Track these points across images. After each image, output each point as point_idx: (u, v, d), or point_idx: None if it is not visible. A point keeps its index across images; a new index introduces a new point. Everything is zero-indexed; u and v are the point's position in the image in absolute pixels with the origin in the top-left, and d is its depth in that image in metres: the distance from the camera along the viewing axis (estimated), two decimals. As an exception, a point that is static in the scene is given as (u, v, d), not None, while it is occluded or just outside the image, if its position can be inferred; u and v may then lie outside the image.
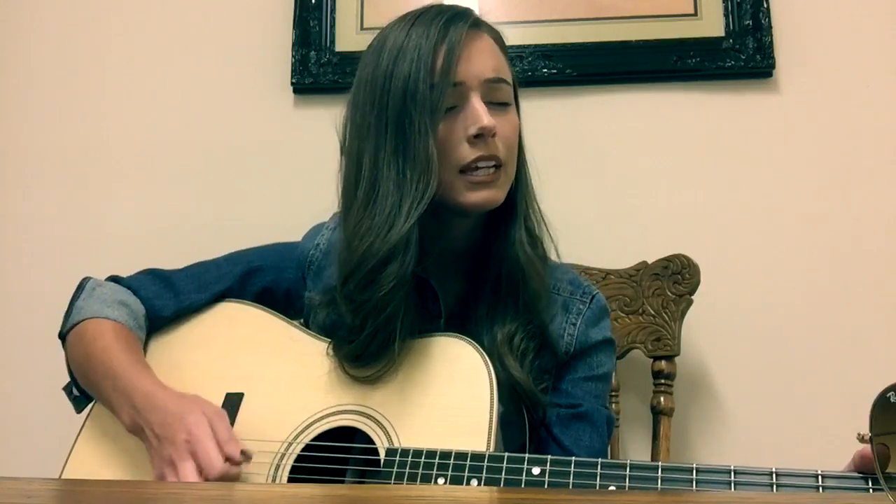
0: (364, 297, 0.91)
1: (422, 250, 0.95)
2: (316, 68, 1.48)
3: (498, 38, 1.01)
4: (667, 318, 1.27)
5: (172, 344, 1.07)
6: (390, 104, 0.92)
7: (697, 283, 1.27)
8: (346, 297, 0.93)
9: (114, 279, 1.10)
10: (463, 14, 0.96)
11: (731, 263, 1.38)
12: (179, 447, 0.87)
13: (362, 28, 1.49)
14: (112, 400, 0.96)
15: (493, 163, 0.93)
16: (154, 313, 1.07)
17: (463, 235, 1.01)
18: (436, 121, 0.91)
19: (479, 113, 0.92)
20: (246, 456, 0.89)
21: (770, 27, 1.41)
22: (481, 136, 0.92)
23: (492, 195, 0.95)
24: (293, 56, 1.49)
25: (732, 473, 0.74)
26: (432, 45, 0.92)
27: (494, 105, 0.95)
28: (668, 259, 1.30)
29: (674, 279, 1.28)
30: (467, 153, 0.93)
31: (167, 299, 1.07)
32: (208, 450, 0.86)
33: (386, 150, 0.92)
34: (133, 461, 0.97)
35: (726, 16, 1.43)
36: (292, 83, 1.49)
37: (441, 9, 0.97)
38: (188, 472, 0.86)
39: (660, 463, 0.77)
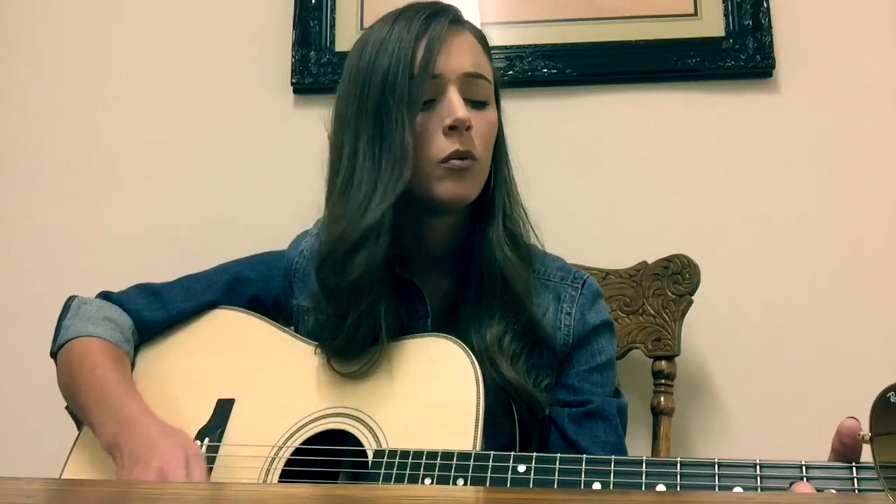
0: (335, 281, 0.92)
1: (405, 251, 0.97)
2: (316, 68, 1.48)
3: (480, 36, 1.01)
4: (667, 318, 1.27)
5: (164, 352, 1.07)
6: (370, 95, 0.93)
7: (697, 283, 1.27)
8: (321, 283, 0.95)
9: (103, 295, 1.10)
10: (445, 10, 0.97)
11: (731, 263, 1.38)
12: (149, 472, 0.85)
13: (362, 28, 1.49)
14: (96, 417, 0.96)
15: (466, 158, 0.94)
16: (143, 323, 1.07)
17: (444, 235, 1.01)
18: (413, 112, 0.92)
19: (455, 105, 0.93)
20: None
21: (770, 27, 1.41)
22: (456, 129, 0.93)
23: (464, 188, 0.95)
24: (293, 56, 1.49)
25: (717, 466, 0.74)
26: (413, 38, 0.93)
27: (472, 102, 0.96)
28: (668, 259, 1.30)
29: (674, 279, 1.28)
30: (443, 146, 0.93)
31: (155, 309, 1.08)
32: (179, 480, 0.85)
33: (363, 140, 0.93)
34: (132, 461, 0.97)
35: (726, 16, 1.43)
36: (292, 83, 1.49)
37: (424, 5, 0.98)
38: None
39: (644, 458, 0.77)
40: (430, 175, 0.94)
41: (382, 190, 0.91)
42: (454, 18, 0.98)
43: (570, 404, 1.00)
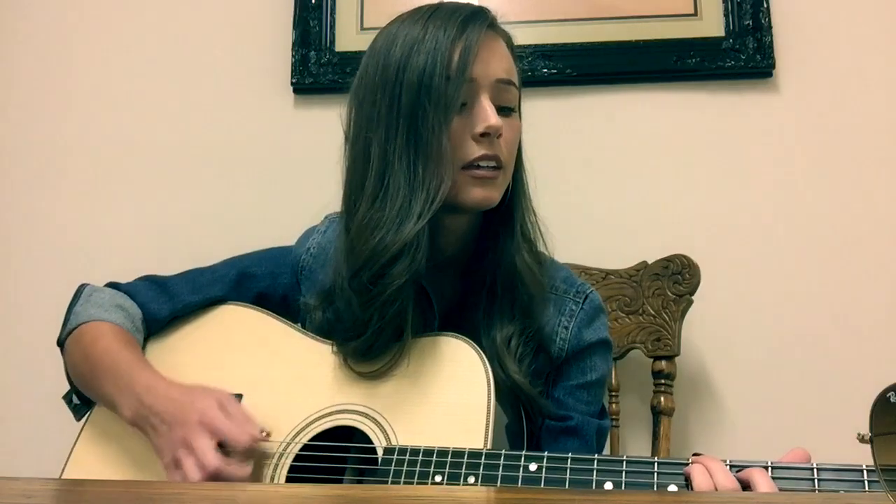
0: (376, 290, 0.90)
1: None
2: (316, 68, 1.48)
3: (510, 41, 1.00)
4: (667, 318, 1.27)
5: (171, 347, 1.07)
6: (403, 95, 0.91)
7: (697, 283, 1.27)
8: (357, 291, 0.92)
9: (111, 285, 1.10)
10: (481, 13, 0.96)
11: (731, 263, 1.38)
12: (193, 427, 0.86)
13: (362, 28, 1.49)
14: (114, 395, 0.96)
15: (493, 163, 0.93)
16: (150, 316, 1.07)
17: (456, 238, 1.00)
18: (450, 116, 0.90)
19: (488, 112, 0.92)
20: (265, 432, 0.89)
21: (770, 27, 1.41)
22: (487, 136, 0.92)
23: (490, 194, 0.94)
24: (293, 56, 1.49)
25: (728, 468, 0.74)
26: (450, 40, 0.91)
27: (501, 108, 0.95)
28: (668, 259, 1.30)
29: (674, 279, 1.28)
30: (472, 150, 0.92)
31: (162, 302, 1.07)
32: (229, 425, 0.86)
33: (397, 143, 0.91)
34: (133, 462, 0.97)
35: (726, 16, 1.43)
36: (292, 83, 1.49)
37: (458, 6, 0.96)
38: (205, 447, 0.85)
39: (655, 459, 0.78)
40: (455, 179, 0.92)
41: (422, 199, 0.89)
42: (491, 24, 0.96)
43: (551, 417, 0.99)
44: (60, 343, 1.06)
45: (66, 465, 1.00)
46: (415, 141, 0.90)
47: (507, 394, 0.92)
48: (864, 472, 0.69)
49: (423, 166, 0.89)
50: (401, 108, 0.91)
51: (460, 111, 0.93)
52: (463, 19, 0.93)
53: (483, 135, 0.92)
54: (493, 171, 0.94)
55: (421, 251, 0.89)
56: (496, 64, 0.95)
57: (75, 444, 1.02)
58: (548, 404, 0.99)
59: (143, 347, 1.07)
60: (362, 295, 0.92)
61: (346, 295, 0.94)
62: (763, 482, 0.71)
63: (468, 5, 0.97)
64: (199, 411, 0.88)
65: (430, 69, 0.90)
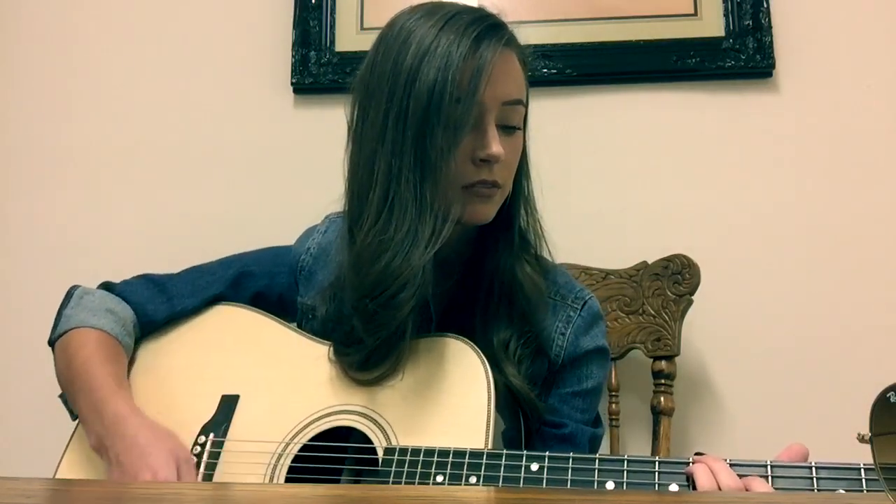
0: (380, 319, 0.90)
1: None
2: (316, 68, 1.48)
3: (522, 56, 0.98)
4: (667, 318, 1.27)
5: (166, 348, 1.06)
6: (411, 109, 0.88)
7: (697, 283, 1.27)
8: (361, 314, 0.91)
9: (105, 286, 1.09)
10: (497, 30, 0.93)
11: (731, 263, 1.38)
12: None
13: (362, 28, 1.49)
14: (84, 415, 0.95)
15: (491, 185, 0.93)
16: (146, 318, 1.06)
17: (452, 245, 0.99)
18: (458, 140, 0.88)
19: (490, 140, 0.91)
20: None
21: (770, 27, 1.41)
22: (487, 162, 0.92)
23: (486, 210, 0.94)
24: (293, 56, 1.49)
25: (729, 466, 0.75)
26: (461, 57, 0.88)
27: (506, 128, 0.94)
28: (668, 259, 1.30)
29: (674, 279, 1.28)
30: (470, 174, 0.92)
31: (160, 304, 1.07)
32: None
33: (403, 161, 0.89)
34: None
35: (726, 16, 1.43)
36: (292, 83, 1.49)
37: (475, 16, 0.93)
38: None
39: (657, 458, 0.78)
40: (452, 196, 0.91)
41: (431, 225, 0.88)
42: (506, 41, 0.93)
43: (546, 423, 0.99)
44: (51, 344, 1.05)
45: (59, 465, 1.00)
46: (421, 161, 0.88)
47: (504, 397, 0.92)
48: (862, 470, 0.69)
49: (429, 190, 0.88)
50: (408, 123, 0.89)
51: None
52: (477, 35, 0.90)
53: (483, 160, 0.91)
54: (490, 190, 0.93)
55: (427, 276, 0.89)
56: (506, 86, 0.93)
57: (69, 442, 1.02)
58: (544, 408, 0.98)
59: (136, 349, 1.06)
60: (366, 321, 0.91)
61: (348, 310, 0.93)
62: (763, 490, 0.72)
63: (486, 17, 0.94)
64: (152, 470, 0.86)
65: (440, 86, 0.88)
